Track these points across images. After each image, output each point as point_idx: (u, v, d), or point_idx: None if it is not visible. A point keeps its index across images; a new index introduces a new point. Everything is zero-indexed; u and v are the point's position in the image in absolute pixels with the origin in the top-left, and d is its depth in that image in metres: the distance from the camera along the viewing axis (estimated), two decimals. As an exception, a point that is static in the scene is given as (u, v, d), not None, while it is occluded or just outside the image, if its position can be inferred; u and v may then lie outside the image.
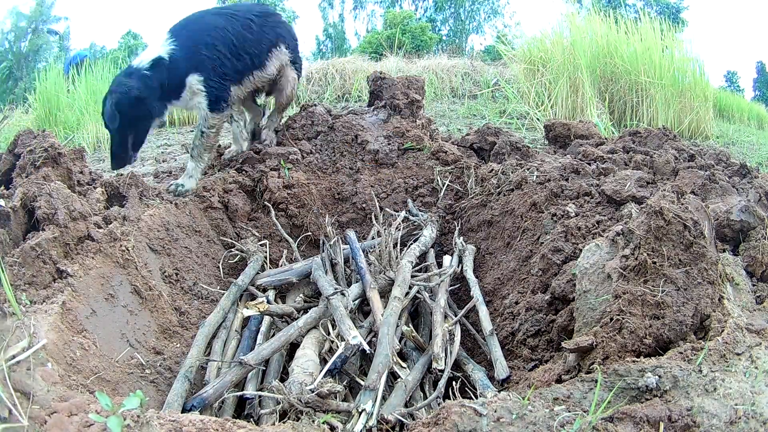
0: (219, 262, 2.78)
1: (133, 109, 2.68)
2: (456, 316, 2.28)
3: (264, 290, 2.55)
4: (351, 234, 2.82)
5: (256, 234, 3.07)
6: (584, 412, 1.23)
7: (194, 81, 2.88)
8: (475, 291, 2.42)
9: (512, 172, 3.12)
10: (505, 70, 8.16)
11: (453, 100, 7.77)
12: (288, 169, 3.33)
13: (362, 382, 1.71)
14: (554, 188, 2.73)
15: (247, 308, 2.37)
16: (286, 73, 3.43)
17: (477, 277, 2.64)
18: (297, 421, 1.49)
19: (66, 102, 6.07)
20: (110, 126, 2.70)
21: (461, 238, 2.99)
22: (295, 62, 3.49)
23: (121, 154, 2.81)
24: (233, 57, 2.99)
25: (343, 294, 2.16)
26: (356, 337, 1.82)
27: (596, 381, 1.29)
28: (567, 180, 2.84)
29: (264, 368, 1.97)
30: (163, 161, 4.43)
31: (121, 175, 2.78)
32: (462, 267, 2.68)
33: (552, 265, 2.27)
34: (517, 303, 2.33)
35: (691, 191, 2.31)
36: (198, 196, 2.99)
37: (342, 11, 30.82)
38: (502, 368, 1.93)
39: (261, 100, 3.73)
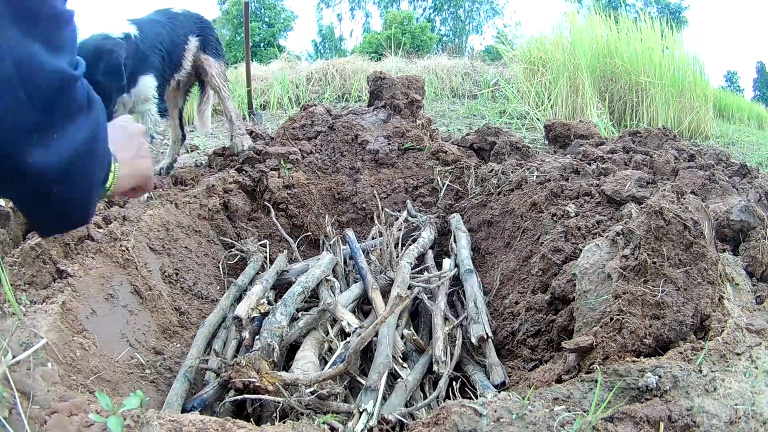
0: (219, 262, 2.78)
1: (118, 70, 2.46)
2: (457, 318, 2.27)
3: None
4: (350, 234, 2.82)
5: (256, 234, 3.07)
6: (584, 412, 1.23)
7: (147, 82, 2.78)
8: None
9: (512, 172, 3.12)
10: (505, 70, 8.17)
11: (453, 100, 7.78)
12: (288, 169, 3.33)
13: (363, 382, 1.71)
14: (554, 188, 2.73)
15: (247, 308, 2.36)
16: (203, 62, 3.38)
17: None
18: (297, 421, 1.49)
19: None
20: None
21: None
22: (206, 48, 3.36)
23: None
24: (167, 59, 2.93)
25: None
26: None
27: (596, 381, 1.29)
28: (567, 180, 2.84)
29: (264, 368, 1.97)
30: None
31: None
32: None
33: (552, 265, 2.27)
34: (517, 303, 2.33)
35: (691, 191, 2.32)
36: (198, 196, 2.99)
37: (340, 11, 30.83)
38: (497, 374, 1.89)
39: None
